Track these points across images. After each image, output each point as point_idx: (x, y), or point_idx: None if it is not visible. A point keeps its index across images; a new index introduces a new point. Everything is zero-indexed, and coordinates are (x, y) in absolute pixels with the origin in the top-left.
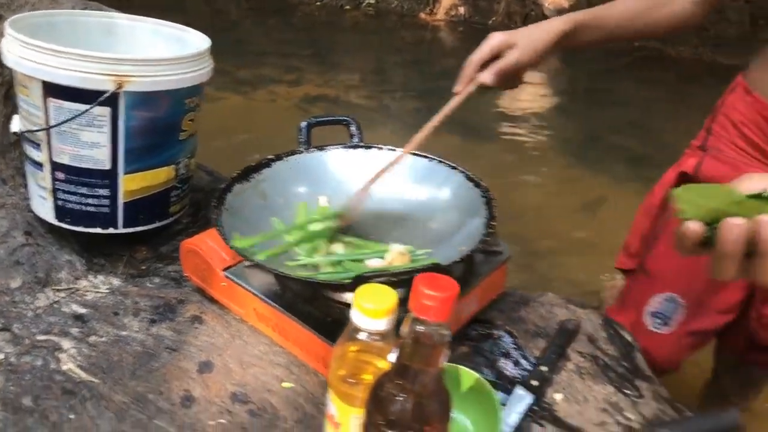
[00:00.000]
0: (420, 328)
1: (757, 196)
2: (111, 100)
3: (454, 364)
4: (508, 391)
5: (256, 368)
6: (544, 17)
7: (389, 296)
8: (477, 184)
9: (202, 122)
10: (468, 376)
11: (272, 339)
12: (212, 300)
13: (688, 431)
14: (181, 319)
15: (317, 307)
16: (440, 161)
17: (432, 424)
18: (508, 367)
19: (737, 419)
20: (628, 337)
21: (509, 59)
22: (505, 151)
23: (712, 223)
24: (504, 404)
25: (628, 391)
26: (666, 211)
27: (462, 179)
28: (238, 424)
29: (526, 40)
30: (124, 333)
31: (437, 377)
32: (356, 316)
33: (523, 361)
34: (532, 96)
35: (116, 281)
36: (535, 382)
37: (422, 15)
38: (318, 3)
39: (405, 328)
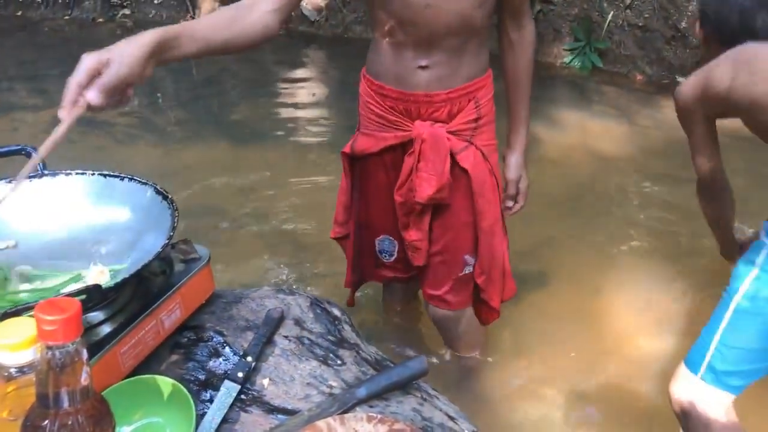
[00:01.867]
0: (48, 353)
1: None
2: None
3: (152, 375)
4: (218, 388)
5: None
6: (305, 18)
7: (29, 326)
8: (165, 197)
9: None
10: (165, 383)
11: None
12: None
13: (380, 384)
14: None
15: None
16: (131, 178)
17: None
18: (218, 365)
19: (425, 364)
20: (337, 312)
21: (110, 74)
22: (283, 154)
23: None
24: (212, 400)
25: (332, 362)
26: (352, 184)
27: (152, 193)
28: None
29: (120, 55)
30: None
31: (83, 393)
32: None
33: (233, 357)
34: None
35: None
36: (240, 374)
37: (183, 22)
38: (66, 17)
39: (38, 357)
